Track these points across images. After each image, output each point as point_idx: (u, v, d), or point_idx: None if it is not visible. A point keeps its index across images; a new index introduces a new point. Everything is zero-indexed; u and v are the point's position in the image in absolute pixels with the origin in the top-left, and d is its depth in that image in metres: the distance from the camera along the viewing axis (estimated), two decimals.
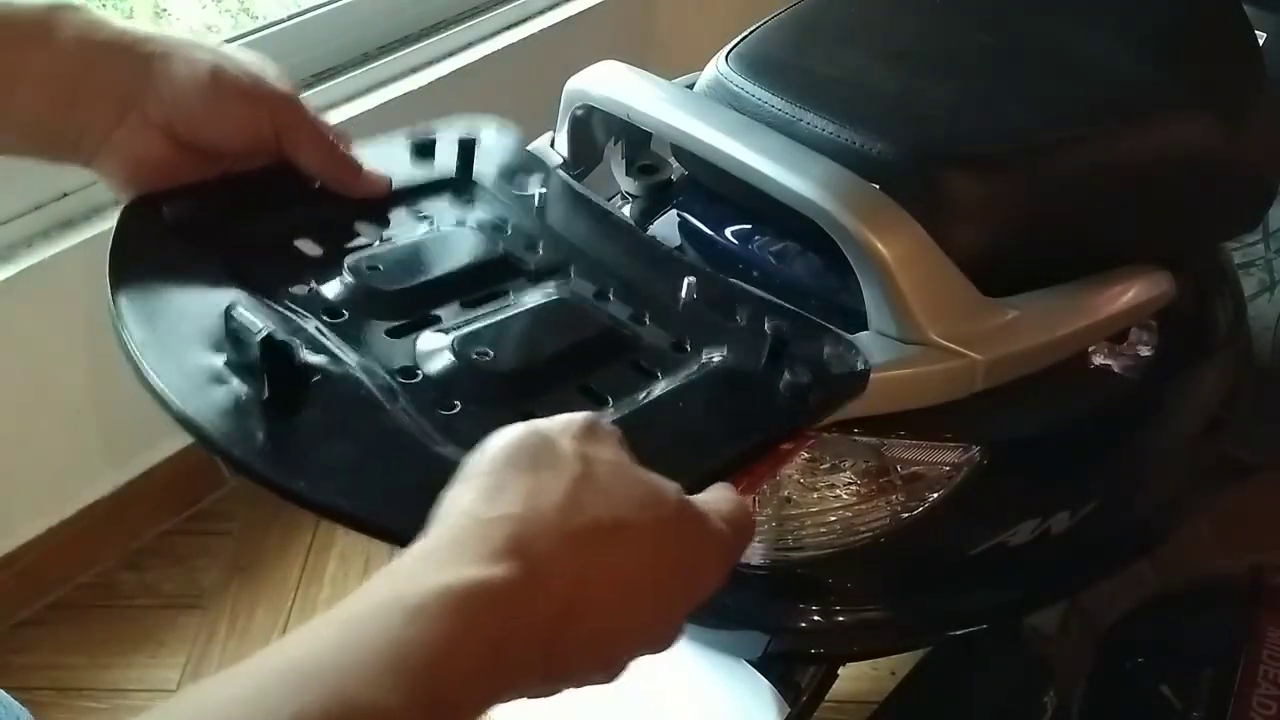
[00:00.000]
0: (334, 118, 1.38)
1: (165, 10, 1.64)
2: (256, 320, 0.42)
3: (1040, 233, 0.66)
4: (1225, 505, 1.15)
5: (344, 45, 1.44)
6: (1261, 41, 1.02)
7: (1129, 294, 0.66)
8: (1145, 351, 0.74)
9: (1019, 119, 0.69)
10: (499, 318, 0.50)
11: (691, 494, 0.38)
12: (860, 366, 0.50)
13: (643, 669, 0.36)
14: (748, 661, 0.79)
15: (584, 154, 0.74)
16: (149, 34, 0.52)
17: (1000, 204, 0.64)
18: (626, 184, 0.77)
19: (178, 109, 0.51)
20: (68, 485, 1.34)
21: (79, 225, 1.21)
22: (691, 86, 0.73)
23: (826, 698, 0.83)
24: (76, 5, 0.51)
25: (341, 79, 1.42)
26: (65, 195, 1.21)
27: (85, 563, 1.38)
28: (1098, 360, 0.72)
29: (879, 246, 0.56)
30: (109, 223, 1.21)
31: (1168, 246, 0.73)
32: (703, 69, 0.73)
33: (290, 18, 1.39)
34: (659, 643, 0.36)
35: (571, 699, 0.36)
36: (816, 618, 0.72)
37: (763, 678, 0.79)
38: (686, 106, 0.65)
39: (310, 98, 1.57)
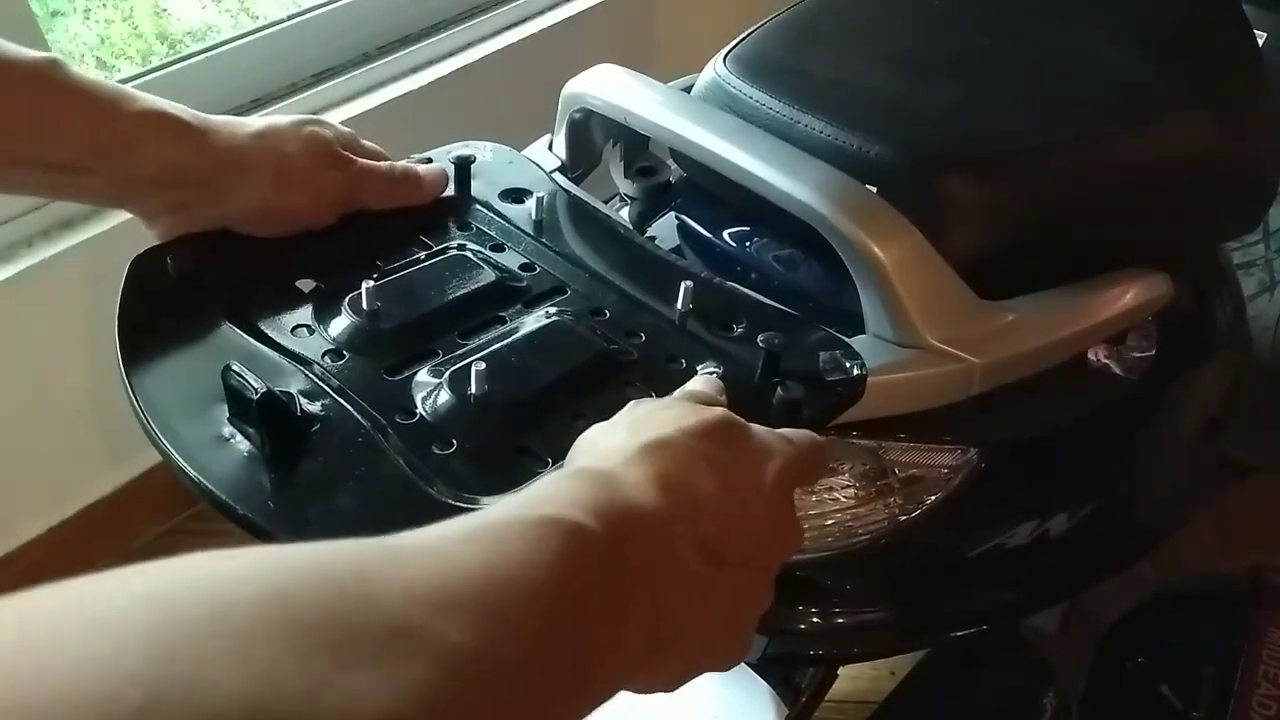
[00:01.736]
0: (334, 118, 1.37)
1: (165, 10, 1.64)
2: (252, 380, 0.43)
3: (1038, 235, 0.66)
4: (1225, 505, 1.15)
5: (344, 45, 1.44)
6: (1261, 41, 1.01)
7: (1127, 296, 0.66)
8: (1144, 353, 0.74)
9: (1017, 121, 0.68)
10: (493, 349, 0.49)
11: None
12: (856, 372, 0.50)
13: None
14: (746, 663, 0.79)
15: (582, 156, 0.74)
16: (230, 141, 0.53)
17: (997, 207, 0.63)
18: (625, 186, 0.77)
19: (233, 220, 0.55)
20: (68, 485, 1.34)
21: (79, 225, 1.21)
22: (689, 89, 0.73)
23: (826, 698, 0.83)
24: (175, 115, 0.52)
25: (341, 79, 1.42)
26: None
27: (85, 563, 1.38)
28: (1097, 361, 0.71)
29: (875, 251, 0.56)
30: (109, 223, 1.22)
31: (1167, 247, 0.72)
32: (701, 70, 0.73)
33: (290, 18, 1.39)
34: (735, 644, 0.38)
35: None
36: (815, 620, 0.72)
37: (761, 680, 0.79)
38: (683, 111, 0.65)
39: (310, 98, 1.56)
